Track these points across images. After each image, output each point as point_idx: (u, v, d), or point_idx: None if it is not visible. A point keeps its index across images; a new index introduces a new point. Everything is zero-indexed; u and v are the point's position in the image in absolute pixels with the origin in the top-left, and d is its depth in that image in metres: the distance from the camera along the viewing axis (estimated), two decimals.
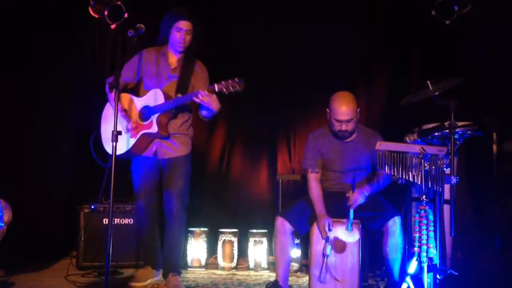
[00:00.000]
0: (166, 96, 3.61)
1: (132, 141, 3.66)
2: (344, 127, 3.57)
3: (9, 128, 4.46)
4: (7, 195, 3.56)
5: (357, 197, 3.50)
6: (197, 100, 3.48)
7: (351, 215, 3.44)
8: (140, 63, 3.74)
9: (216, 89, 3.43)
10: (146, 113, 3.65)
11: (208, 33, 4.99)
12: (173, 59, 3.77)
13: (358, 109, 3.62)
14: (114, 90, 3.19)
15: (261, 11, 5.05)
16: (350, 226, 3.42)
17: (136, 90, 3.82)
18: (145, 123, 3.64)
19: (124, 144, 3.65)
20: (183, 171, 3.78)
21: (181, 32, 3.66)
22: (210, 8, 5.06)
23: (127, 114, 3.70)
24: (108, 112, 3.82)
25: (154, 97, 3.63)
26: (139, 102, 3.71)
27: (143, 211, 3.88)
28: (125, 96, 3.74)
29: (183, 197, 3.78)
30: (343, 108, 3.54)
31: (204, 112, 3.73)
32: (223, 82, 3.42)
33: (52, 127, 4.75)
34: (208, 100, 3.48)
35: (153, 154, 3.75)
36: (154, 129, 3.60)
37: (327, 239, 3.43)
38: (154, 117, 3.60)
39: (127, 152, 3.68)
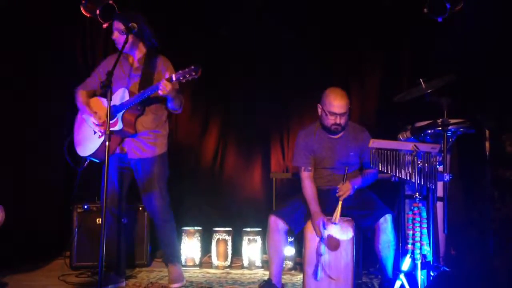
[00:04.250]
0: (130, 94, 3.61)
1: (100, 141, 3.65)
2: (338, 120, 3.59)
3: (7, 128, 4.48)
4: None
5: (348, 188, 3.52)
6: (161, 93, 3.45)
7: (339, 206, 3.45)
8: (104, 69, 3.72)
9: (174, 79, 3.41)
10: (112, 112, 3.61)
11: (201, 32, 5.06)
12: (134, 59, 3.78)
13: (350, 106, 3.65)
14: (107, 89, 3.20)
15: (257, 10, 5.04)
16: (337, 217, 3.43)
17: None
18: (111, 122, 3.58)
19: (93, 145, 3.67)
20: (157, 172, 3.72)
21: (114, 33, 3.69)
22: (203, 8, 5.06)
23: (96, 116, 3.69)
24: (80, 118, 3.84)
25: (120, 96, 3.63)
26: (106, 104, 3.68)
27: (108, 213, 3.68)
28: (94, 100, 3.77)
29: (163, 198, 3.74)
30: (338, 101, 3.57)
31: (169, 105, 3.68)
32: (180, 72, 3.40)
33: (47, 128, 4.76)
34: (169, 90, 3.43)
35: (123, 153, 3.71)
36: (119, 126, 3.59)
37: (321, 238, 3.44)
38: (119, 115, 3.60)
39: (96, 152, 3.66)
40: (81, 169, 3.77)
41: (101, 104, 3.76)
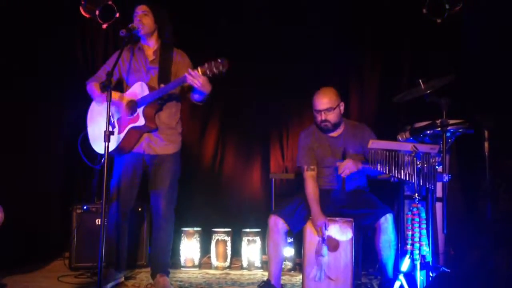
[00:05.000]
0: (150, 88, 3.56)
1: (121, 136, 3.60)
2: (323, 117, 3.62)
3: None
4: None
5: (348, 163, 3.50)
6: (191, 82, 3.37)
7: (343, 180, 3.47)
8: (117, 61, 3.71)
9: (200, 72, 3.35)
10: (132, 107, 3.60)
11: (201, 31, 5.05)
12: (149, 51, 3.73)
13: (341, 103, 3.67)
14: (106, 90, 3.19)
15: (257, 10, 5.04)
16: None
17: (119, 88, 3.78)
18: (132, 117, 3.58)
19: (113, 141, 3.57)
20: (171, 170, 3.70)
21: (137, 15, 3.63)
22: (203, 7, 5.06)
23: (115, 110, 3.65)
24: (94, 111, 3.79)
25: (138, 91, 3.59)
26: (125, 97, 3.67)
27: (116, 210, 3.72)
28: (114, 93, 3.67)
29: (171, 197, 3.71)
30: (320, 99, 3.63)
31: (196, 96, 3.66)
32: (206, 65, 3.34)
33: (47, 129, 4.77)
34: (200, 82, 3.38)
35: (142, 150, 3.67)
36: (141, 121, 3.55)
37: (323, 240, 3.44)
38: (140, 110, 3.55)
39: (117, 148, 3.62)
40: (97, 167, 3.74)
41: (121, 94, 3.70)
